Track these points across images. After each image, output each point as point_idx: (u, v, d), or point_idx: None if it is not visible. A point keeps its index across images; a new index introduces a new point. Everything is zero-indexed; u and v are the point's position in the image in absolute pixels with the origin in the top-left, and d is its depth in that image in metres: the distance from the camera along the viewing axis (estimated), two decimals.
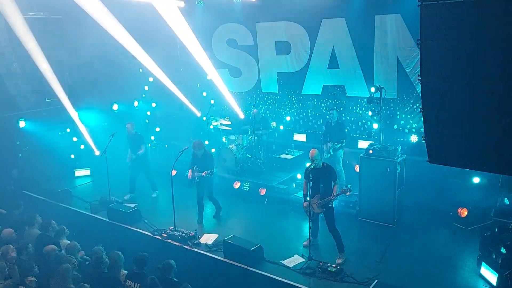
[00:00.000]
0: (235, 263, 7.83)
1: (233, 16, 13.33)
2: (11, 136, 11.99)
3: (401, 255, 7.99)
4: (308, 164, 8.05)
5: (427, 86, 4.73)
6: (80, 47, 12.36)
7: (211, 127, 13.74)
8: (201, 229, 9.22)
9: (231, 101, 13.59)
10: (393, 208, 9.03)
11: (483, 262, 7.14)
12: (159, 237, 8.89)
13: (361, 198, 9.44)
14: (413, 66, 10.56)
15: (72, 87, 12.93)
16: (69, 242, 7.74)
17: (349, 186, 7.68)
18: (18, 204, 9.60)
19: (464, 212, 8.72)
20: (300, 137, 13.15)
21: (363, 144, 10.97)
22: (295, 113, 13.31)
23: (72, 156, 13.29)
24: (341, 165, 10.69)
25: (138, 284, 6.45)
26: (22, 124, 11.98)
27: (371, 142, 9.93)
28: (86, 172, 13.14)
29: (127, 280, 6.58)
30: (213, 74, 13.51)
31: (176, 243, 8.59)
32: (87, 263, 7.25)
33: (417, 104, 10.65)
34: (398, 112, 11.20)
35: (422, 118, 5.00)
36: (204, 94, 14.94)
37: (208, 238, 8.72)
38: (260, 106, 13.63)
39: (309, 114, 13.03)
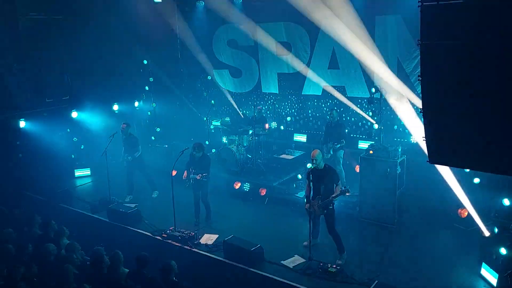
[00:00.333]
0: (235, 264, 7.83)
1: (233, 16, 13.34)
2: (12, 136, 11.99)
3: (401, 256, 7.99)
4: (309, 165, 8.05)
5: (427, 86, 4.72)
6: (81, 47, 12.37)
7: (212, 127, 13.75)
8: (201, 230, 9.22)
9: (232, 102, 13.60)
10: (393, 209, 9.03)
11: (483, 263, 7.13)
12: (159, 238, 8.89)
13: (362, 198, 9.44)
14: (413, 66, 10.58)
15: (72, 87, 12.93)
16: (69, 242, 7.75)
17: (347, 187, 7.67)
18: (17, 204, 9.59)
19: (464, 213, 8.72)
20: (301, 138, 13.16)
21: (363, 145, 10.98)
22: (295, 114, 13.32)
23: (72, 156, 13.30)
24: (341, 166, 10.68)
25: (139, 284, 6.45)
26: (22, 124, 11.98)
27: (371, 142, 9.93)
28: (86, 172, 13.14)
29: (128, 280, 6.58)
30: (213, 74, 13.53)
31: (176, 244, 8.59)
32: (87, 263, 7.25)
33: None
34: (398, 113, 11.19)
35: (422, 119, 5.00)
36: (205, 94, 14.96)
37: (208, 239, 8.72)
38: (261, 106, 13.65)
39: (309, 115, 13.04)
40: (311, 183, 7.67)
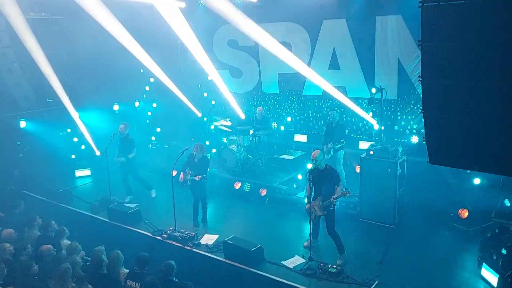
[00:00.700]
0: (236, 264, 7.82)
1: (234, 16, 13.31)
2: (12, 136, 11.99)
3: (402, 256, 7.98)
4: (309, 165, 8.05)
5: (428, 87, 4.72)
6: (81, 47, 12.36)
7: (212, 127, 13.75)
8: (202, 230, 9.22)
9: (232, 102, 13.59)
10: (394, 209, 9.02)
11: (483, 263, 7.13)
12: (159, 238, 8.88)
13: (362, 199, 9.44)
14: (413, 67, 10.57)
15: (73, 87, 12.93)
16: (69, 242, 7.75)
17: (348, 188, 7.66)
18: (18, 204, 9.60)
19: (465, 213, 8.71)
20: (301, 138, 13.16)
21: (363, 145, 10.97)
22: (295, 114, 13.32)
23: (73, 156, 13.30)
24: (341, 166, 10.68)
25: (139, 284, 6.45)
26: (23, 124, 11.98)
27: (371, 143, 9.93)
28: (87, 172, 13.14)
29: (128, 280, 6.59)
30: (214, 74, 13.51)
31: (177, 244, 8.59)
32: (87, 263, 7.25)
33: (418, 105, 10.66)
34: (398, 113, 11.21)
35: (422, 119, 5.00)
36: (205, 94, 14.95)
37: (209, 239, 8.72)
38: (261, 106, 13.63)
39: (310, 115, 13.03)
40: (312, 184, 7.67)
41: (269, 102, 13.85)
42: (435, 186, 9.58)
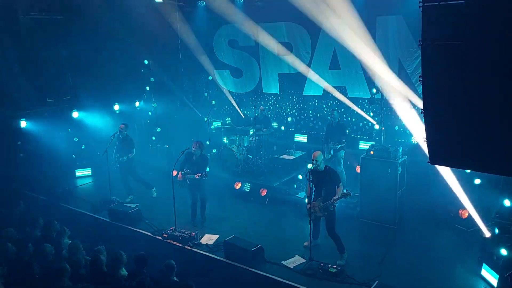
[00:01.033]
0: (236, 264, 7.84)
1: (234, 17, 13.35)
2: (12, 136, 11.99)
3: (402, 256, 7.99)
4: (309, 165, 8.05)
5: (428, 87, 4.72)
6: (81, 47, 12.38)
7: (212, 127, 13.76)
8: (202, 230, 9.22)
9: (233, 102, 13.60)
10: (394, 209, 9.02)
11: (483, 264, 7.13)
12: (160, 238, 8.89)
13: (362, 199, 9.44)
14: (414, 67, 10.58)
15: (73, 87, 12.94)
16: (70, 242, 7.75)
17: (349, 190, 7.66)
18: (17, 203, 9.60)
19: (465, 214, 8.71)
20: (301, 138, 13.16)
21: (364, 145, 10.98)
22: (296, 114, 13.32)
23: (73, 156, 13.30)
24: (342, 166, 10.69)
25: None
26: (23, 124, 11.98)
27: (372, 143, 9.93)
28: (87, 172, 13.14)
29: (128, 280, 6.59)
30: (214, 74, 13.53)
31: (177, 244, 8.60)
32: (88, 263, 7.25)
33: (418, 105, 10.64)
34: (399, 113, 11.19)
35: (423, 119, 5.00)
36: (206, 94, 14.97)
37: (209, 239, 8.72)
38: (263, 107, 13.65)
39: (310, 115, 13.04)
40: (312, 184, 7.68)
41: (270, 102, 13.86)
42: (435, 186, 9.56)
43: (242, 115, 13.64)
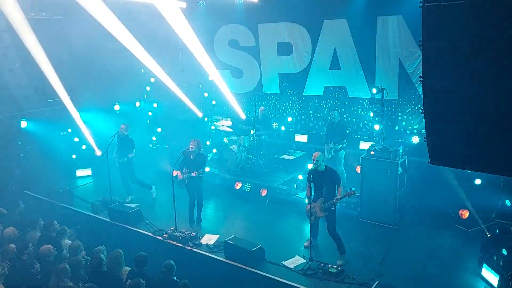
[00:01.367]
0: (236, 264, 7.83)
1: (235, 17, 13.34)
2: (13, 136, 12.00)
3: (402, 257, 7.98)
4: (309, 166, 8.05)
5: (428, 87, 4.72)
6: (82, 47, 12.37)
7: (213, 127, 13.75)
8: (202, 230, 9.22)
9: (233, 102, 13.59)
10: (395, 210, 9.02)
11: (484, 264, 7.13)
12: (160, 238, 8.89)
13: (362, 199, 9.44)
14: (414, 67, 10.56)
15: (73, 87, 12.94)
16: (70, 242, 7.76)
17: (353, 189, 7.65)
18: (17, 204, 9.61)
19: (465, 214, 8.71)
20: (302, 138, 13.15)
21: (364, 145, 10.97)
22: (296, 114, 13.32)
23: (74, 156, 13.31)
24: (342, 166, 10.69)
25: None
26: (23, 124, 12.00)
27: (372, 143, 9.93)
28: (88, 172, 13.15)
29: (128, 280, 6.59)
30: (214, 74, 13.52)
31: (177, 244, 8.60)
32: (88, 263, 7.26)
33: (419, 105, 10.64)
34: (399, 113, 11.19)
35: (423, 119, 5.00)
36: (206, 94, 14.96)
37: (209, 239, 8.72)
38: (263, 107, 13.64)
39: (311, 115, 13.03)
40: (312, 185, 7.67)
41: (270, 102, 13.85)
42: (435, 187, 9.57)
43: (242, 115, 13.62)
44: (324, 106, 12.63)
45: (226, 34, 14.06)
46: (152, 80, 14.72)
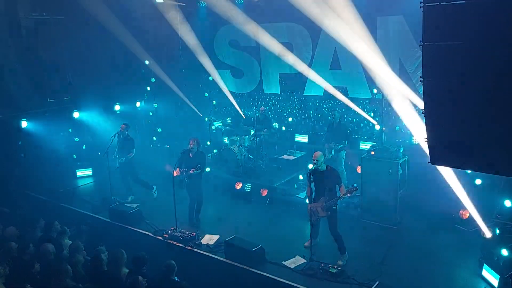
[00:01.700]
0: (237, 264, 7.83)
1: (235, 17, 13.34)
2: (13, 137, 12.00)
3: (403, 257, 7.99)
4: (310, 165, 8.04)
5: (429, 87, 4.72)
6: (82, 48, 12.39)
7: (213, 127, 13.76)
8: (203, 230, 9.22)
9: (233, 102, 13.60)
10: (395, 210, 9.02)
11: (484, 264, 7.13)
12: (160, 238, 8.89)
13: (363, 199, 9.44)
14: (415, 67, 10.57)
15: (74, 87, 12.95)
16: (71, 242, 7.76)
17: (355, 185, 7.64)
18: (20, 205, 9.61)
19: (466, 214, 8.70)
20: (302, 138, 13.15)
21: (365, 146, 10.97)
22: (297, 114, 13.32)
23: (74, 156, 13.30)
24: (343, 166, 10.68)
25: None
26: (24, 124, 11.99)
27: (373, 143, 9.92)
28: (88, 172, 13.15)
29: (128, 280, 6.59)
30: (215, 75, 13.53)
31: (178, 244, 8.60)
32: (89, 263, 7.26)
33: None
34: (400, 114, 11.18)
35: (424, 120, 5.00)
36: (206, 94, 14.97)
37: (210, 239, 8.72)
38: (264, 107, 13.65)
39: (311, 115, 13.03)
40: (313, 184, 7.67)
41: (270, 102, 13.86)
42: (436, 187, 9.55)
43: (243, 115, 13.63)
44: (325, 106, 12.63)
45: (226, 34, 14.06)
46: (153, 80, 14.72)
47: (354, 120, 11.99)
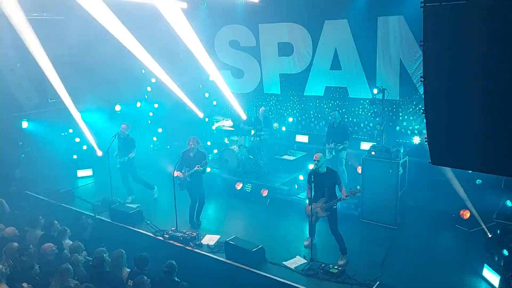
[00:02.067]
0: (237, 264, 7.83)
1: (235, 17, 13.35)
2: (14, 137, 12.01)
3: (403, 257, 7.98)
4: (310, 166, 8.04)
5: (430, 87, 4.73)
6: (83, 48, 12.38)
7: (214, 128, 13.76)
8: (203, 230, 9.22)
9: (234, 102, 13.59)
10: (396, 210, 9.02)
11: (485, 264, 7.12)
12: (161, 238, 8.89)
13: (363, 199, 9.42)
14: (415, 67, 10.56)
15: (74, 87, 12.94)
16: (71, 242, 7.77)
17: (358, 187, 7.64)
18: (22, 206, 9.61)
19: (466, 214, 8.70)
20: (302, 138, 13.15)
21: (365, 146, 10.96)
22: (297, 114, 13.32)
23: (75, 156, 13.31)
24: (343, 167, 10.68)
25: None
26: (25, 124, 12.00)
27: (373, 143, 9.92)
28: (89, 172, 13.15)
29: (129, 280, 6.60)
30: (215, 75, 13.53)
31: (178, 244, 8.60)
32: (90, 263, 7.26)
33: (420, 106, 10.63)
34: (400, 114, 11.20)
35: (424, 120, 5.00)
36: (207, 95, 14.96)
37: (210, 239, 8.72)
38: (263, 107, 13.64)
39: (312, 115, 13.03)
40: (313, 185, 7.67)
41: (271, 102, 13.86)
42: (436, 187, 9.56)
43: (243, 115, 13.62)
44: (325, 106, 12.63)
45: (226, 35, 14.06)
46: (153, 80, 14.72)
47: (355, 120, 11.98)
